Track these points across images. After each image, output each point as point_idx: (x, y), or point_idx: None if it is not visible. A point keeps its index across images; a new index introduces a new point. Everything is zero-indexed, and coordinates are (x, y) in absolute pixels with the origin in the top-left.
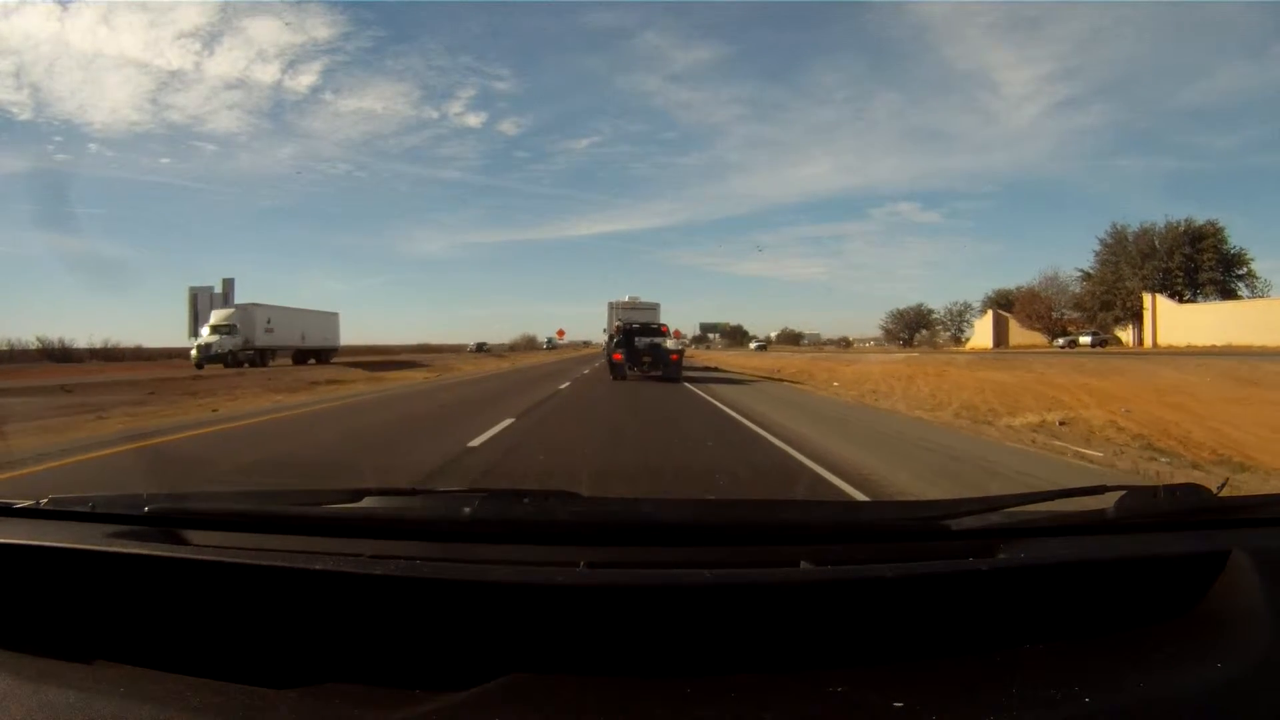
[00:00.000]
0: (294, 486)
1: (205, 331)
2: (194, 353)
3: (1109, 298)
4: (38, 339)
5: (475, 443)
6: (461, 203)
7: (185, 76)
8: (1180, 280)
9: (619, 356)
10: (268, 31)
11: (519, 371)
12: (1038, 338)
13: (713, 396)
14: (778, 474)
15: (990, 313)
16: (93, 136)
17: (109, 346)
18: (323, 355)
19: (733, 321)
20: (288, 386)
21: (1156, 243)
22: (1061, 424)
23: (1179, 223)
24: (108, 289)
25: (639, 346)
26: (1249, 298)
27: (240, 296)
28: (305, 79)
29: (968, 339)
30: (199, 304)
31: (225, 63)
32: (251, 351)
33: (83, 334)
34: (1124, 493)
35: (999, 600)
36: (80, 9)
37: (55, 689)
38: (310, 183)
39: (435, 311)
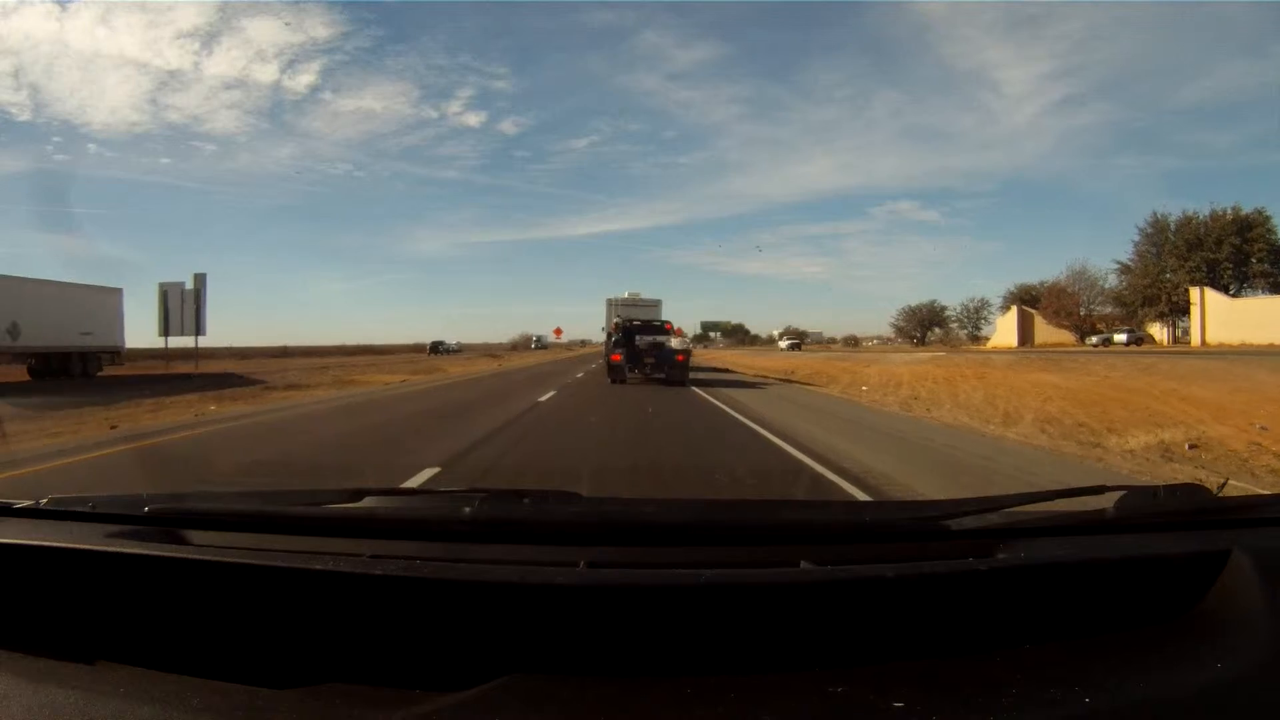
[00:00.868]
0: (294, 486)
1: None
2: None
3: (1153, 292)
4: None
5: None
6: (461, 202)
7: (184, 76)
8: (1228, 272)
9: (618, 357)
10: (267, 31)
11: (483, 381)
12: (1065, 336)
13: (731, 406)
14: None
15: (1014, 309)
16: (92, 137)
17: None
18: (88, 363)
19: (734, 320)
20: None
21: (1202, 232)
22: (1191, 447)
23: (1224, 210)
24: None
25: (640, 346)
26: None
27: (237, 296)
28: (304, 79)
29: (987, 337)
30: (169, 302)
31: (224, 63)
32: None
33: None
34: (1124, 492)
35: (999, 600)
36: (79, 9)
37: (56, 689)
38: (309, 182)
39: (435, 311)
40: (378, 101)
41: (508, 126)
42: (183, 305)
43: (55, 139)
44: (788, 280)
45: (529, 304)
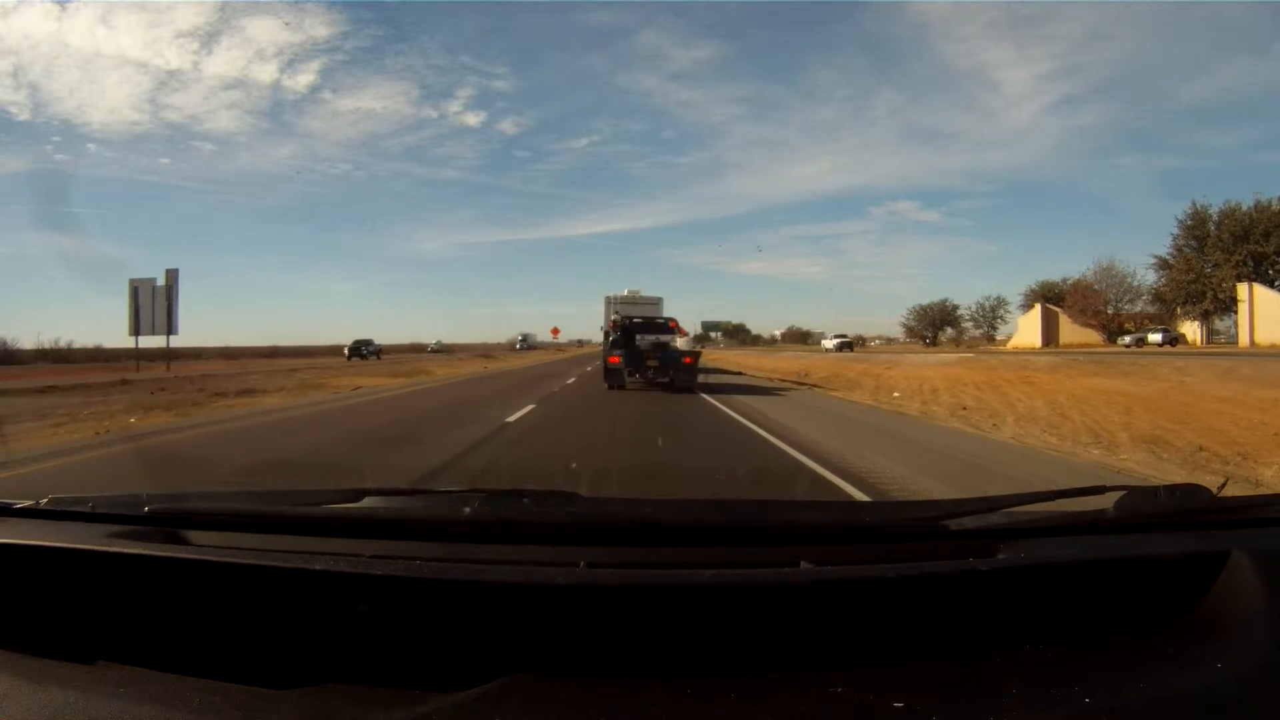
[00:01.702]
0: (294, 487)
1: None
2: None
3: (1197, 288)
4: None
5: None
6: (461, 202)
7: (184, 76)
8: (1277, 266)
9: (616, 359)
10: (266, 31)
11: (464, 385)
12: (1091, 336)
13: (757, 421)
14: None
15: (1038, 308)
16: (91, 136)
17: (60, 347)
18: None
19: (734, 320)
20: None
21: (1248, 224)
22: None
23: (1269, 201)
24: (100, 290)
25: (642, 347)
26: None
27: (236, 296)
28: (304, 78)
29: (1006, 337)
30: (139, 299)
31: (224, 62)
32: None
33: (65, 335)
34: (1124, 493)
35: (999, 600)
36: (78, 9)
37: (56, 689)
38: (309, 182)
39: (434, 311)
40: (377, 101)
41: (507, 126)
42: (154, 303)
43: (55, 138)
44: (788, 280)
45: (528, 304)
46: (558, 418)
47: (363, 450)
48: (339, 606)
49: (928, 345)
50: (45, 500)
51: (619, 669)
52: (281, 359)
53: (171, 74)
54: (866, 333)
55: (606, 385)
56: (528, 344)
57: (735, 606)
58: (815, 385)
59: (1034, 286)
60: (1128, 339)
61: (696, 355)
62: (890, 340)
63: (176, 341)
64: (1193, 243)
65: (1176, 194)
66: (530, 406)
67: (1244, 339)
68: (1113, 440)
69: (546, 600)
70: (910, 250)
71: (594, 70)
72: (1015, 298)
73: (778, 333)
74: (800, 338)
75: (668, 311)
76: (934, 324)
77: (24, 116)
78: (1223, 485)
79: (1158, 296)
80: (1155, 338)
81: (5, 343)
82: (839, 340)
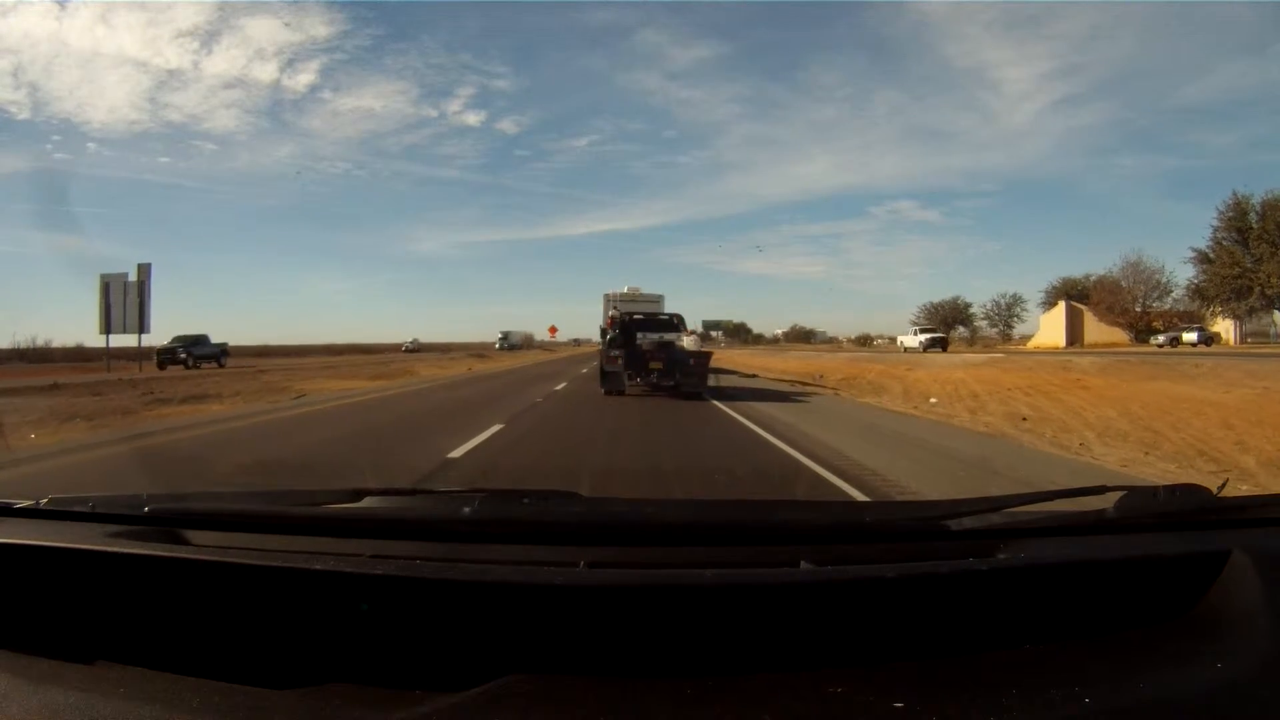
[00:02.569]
0: (294, 487)
1: None
2: None
3: (1243, 283)
4: None
5: None
6: (461, 201)
7: (183, 75)
8: None
9: (614, 360)
10: (266, 30)
11: (438, 392)
12: (1118, 334)
13: (788, 440)
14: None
15: (1061, 305)
16: (91, 135)
17: (38, 346)
18: None
19: (735, 320)
20: None
21: None
22: None
23: None
24: (91, 288)
25: (643, 347)
26: None
27: (235, 295)
28: (304, 77)
29: (1026, 336)
30: (110, 294)
31: (224, 61)
32: None
33: (55, 334)
34: (1124, 493)
35: (999, 600)
36: (78, 8)
37: (56, 689)
38: (309, 181)
39: (435, 311)
40: (377, 100)
41: (508, 126)
42: (125, 300)
43: (54, 137)
44: (789, 280)
45: (529, 304)
46: (530, 446)
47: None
48: (339, 606)
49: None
50: (45, 500)
51: (619, 669)
52: (272, 358)
53: (171, 73)
54: (870, 331)
55: (603, 390)
56: (509, 343)
57: (735, 606)
58: (835, 389)
59: (1055, 283)
60: (1161, 338)
61: (707, 356)
62: (895, 339)
63: (160, 339)
64: (1234, 235)
65: (1177, 194)
66: (496, 427)
67: None
68: (1235, 464)
69: (547, 600)
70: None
71: (594, 69)
72: (1034, 295)
73: (779, 331)
74: (804, 337)
75: (669, 309)
76: (945, 322)
77: (24, 115)
78: (1223, 485)
79: (1198, 292)
80: (1190, 337)
81: None
82: (929, 336)
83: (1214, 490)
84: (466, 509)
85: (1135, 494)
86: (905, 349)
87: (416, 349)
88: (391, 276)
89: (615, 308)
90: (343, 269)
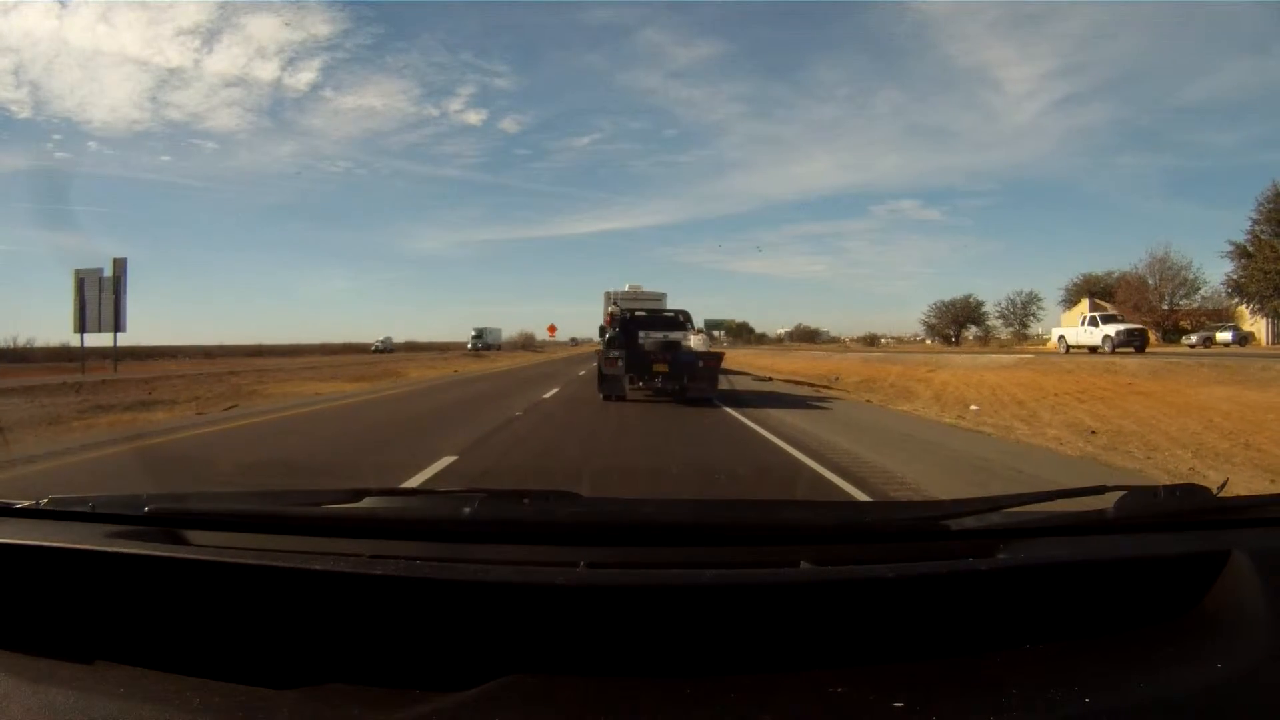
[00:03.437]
0: (294, 486)
1: None
2: None
3: None
4: None
5: None
6: (462, 200)
7: (185, 74)
8: None
9: (613, 363)
10: (267, 29)
11: (416, 398)
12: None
13: (826, 461)
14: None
15: (1085, 304)
16: (93, 134)
17: (19, 346)
18: None
19: (737, 319)
20: None
21: None
22: None
23: None
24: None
25: (646, 347)
26: None
27: (235, 295)
28: (305, 76)
29: (1044, 336)
30: (85, 291)
31: (225, 60)
32: None
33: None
34: (1124, 493)
35: (999, 600)
36: (79, 6)
37: (55, 689)
38: (310, 180)
39: (434, 310)
40: (378, 99)
41: (509, 124)
42: (100, 296)
43: (55, 136)
44: (790, 279)
45: (529, 303)
46: (513, 468)
47: None
48: (339, 606)
49: (951, 344)
50: (45, 500)
51: (619, 669)
52: (266, 358)
53: (172, 72)
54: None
55: (601, 396)
56: (484, 343)
57: (735, 606)
58: (856, 394)
59: (1077, 280)
60: (1193, 338)
61: (717, 358)
62: (900, 339)
63: (162, 339)
64: (1274, 227)
65: (1178, 193)
66: (451, 459)
67: None
68: None
69: (546, 600)
70: (912, 249)
71: (595, 68)
72: (1052, 293)
73: (782, 331)
74: (809, 336)
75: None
76: (957, 321)
77: (24, 114)
78: (1223, 485)
79: (1238, 288)
80: (1225, 336)
81: None
82: (1121, 329)
83: (1214, 490)
84: (466, 509)
85: (1135, 494)
86: (1070, 348)
87: (388, 349)
88: (392, 276)
89: (615, 304)
90: (343, 268)
